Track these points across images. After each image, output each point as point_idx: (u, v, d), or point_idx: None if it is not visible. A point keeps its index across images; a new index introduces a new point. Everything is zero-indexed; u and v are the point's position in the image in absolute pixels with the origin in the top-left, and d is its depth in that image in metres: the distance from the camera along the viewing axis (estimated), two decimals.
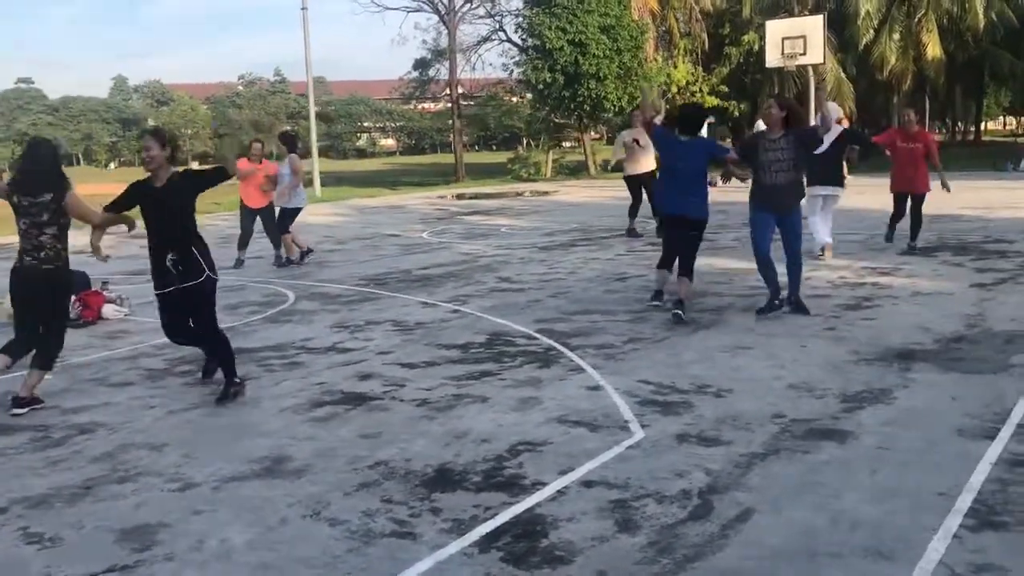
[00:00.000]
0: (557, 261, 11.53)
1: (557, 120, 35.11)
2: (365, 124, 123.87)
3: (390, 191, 31.70)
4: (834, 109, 10.31)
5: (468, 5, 37.12)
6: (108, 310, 8.98)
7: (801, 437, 4.67)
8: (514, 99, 40.13)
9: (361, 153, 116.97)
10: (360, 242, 14.87)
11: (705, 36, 35.96)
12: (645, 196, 12.91)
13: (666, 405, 5.30)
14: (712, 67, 36.60)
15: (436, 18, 37.52)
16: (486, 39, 39.51)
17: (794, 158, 7.33)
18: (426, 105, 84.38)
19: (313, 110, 30.97)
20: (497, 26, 38.75)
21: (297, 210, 12.26)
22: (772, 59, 24.84)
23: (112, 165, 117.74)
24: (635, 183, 13.20)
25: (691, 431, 4.83)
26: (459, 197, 26.21)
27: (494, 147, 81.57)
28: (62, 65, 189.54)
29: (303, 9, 27.43)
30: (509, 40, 37.38)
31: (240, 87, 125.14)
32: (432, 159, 70.09)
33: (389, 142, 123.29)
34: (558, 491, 4.09)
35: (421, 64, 41.20)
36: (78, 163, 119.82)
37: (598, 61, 31.11)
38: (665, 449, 4.58)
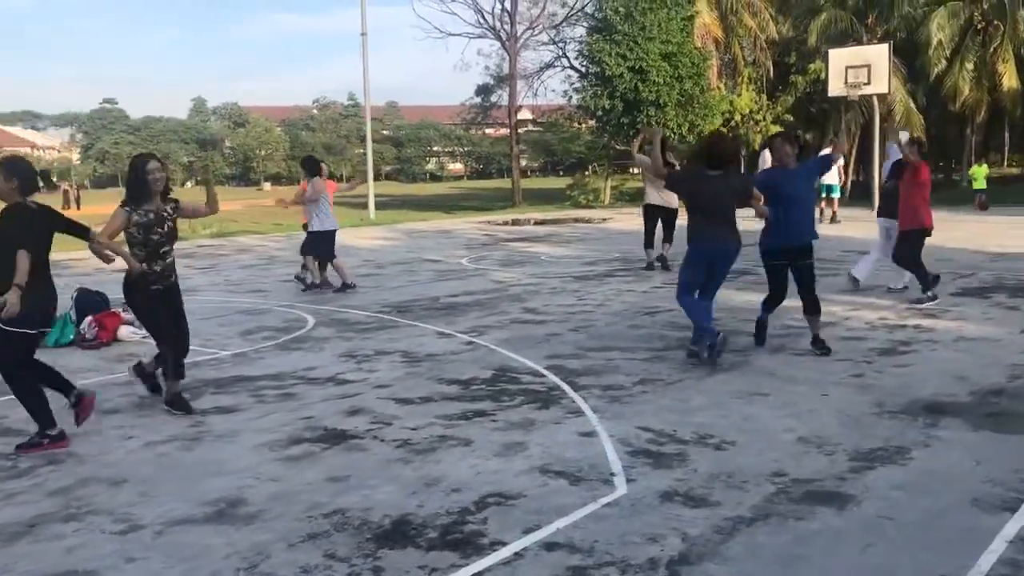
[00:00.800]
0: (589, 292, 11.16)
1: (618, 147, 34.70)
2: (434, 148, 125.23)
3: (445, 215, 31.67)
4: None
5: (529, 32, 37.04)
6: (124, 331, 8.89)
7: (797, 500, 4.24)
8: (575, 125, 39.81)
9: (430, 177, 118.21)
10: (398, 267, 14.69)
11: (770, 64, 35.29)
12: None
13: (660, 456, 4.91)
14: (777, 95, 35.89)
15: (498, 44, 37.43)
16: (549, 65, 39.46)
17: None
18: (492, 130, 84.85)
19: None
20: (560, 52, 38.63)
21: (325, 233, 11.91)
22: (835, 88, 24.15)
23: (189, 184, 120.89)
24: (655, 214, 12.88)
25: (679, 488, 4.43)
26: (514, 223, 25.95)
27: (560, 172, 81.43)
28: (145, 86, 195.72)
29: (362, 35, 27.63)
30: (572, 66, 37.15)
31: (315, 110, 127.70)
32: (497, 184, 70.14)
33: (457, 166, 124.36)
34: (515, 553, 3.74)
35: (483, 90, 41.23)
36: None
37: (658, 88, 30.69)
38: (645, 508, 4.19)
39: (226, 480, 4.73)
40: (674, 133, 31.78)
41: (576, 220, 26.24)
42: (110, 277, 10.67)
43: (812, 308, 7.37)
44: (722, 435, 5.25)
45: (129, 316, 9.20)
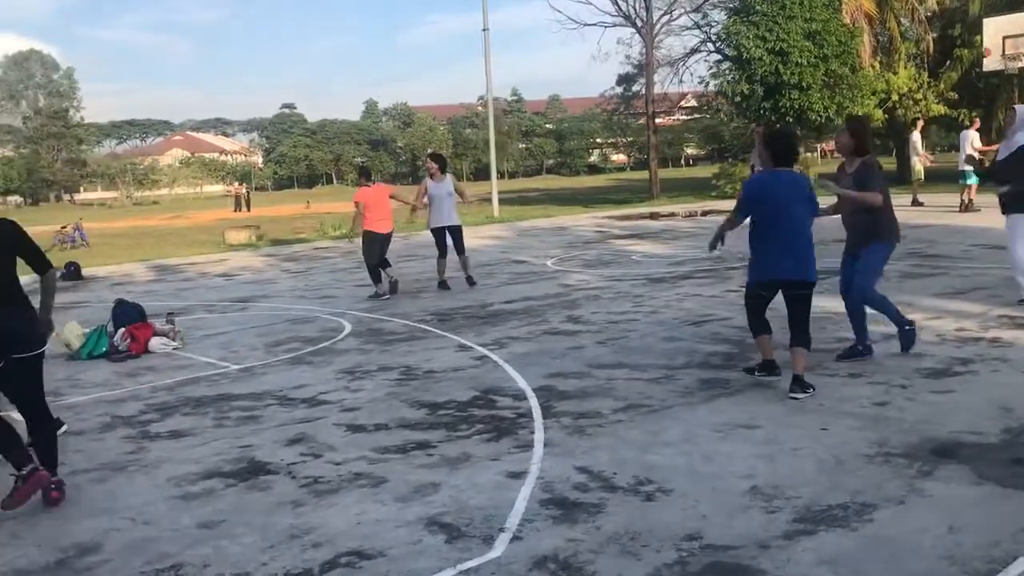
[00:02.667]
0: (652, 297, 10.34)
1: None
2: (597, 140, 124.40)
3: (583, 210, 30.94)
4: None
5: (668, 17, 35.76)
6: (155, 343, 8.88)
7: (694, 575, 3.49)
8: (718, 113, 38.24)
9: (593, 169, 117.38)
10: (479, 270, 14.25)
11: (930, 38, 32.48)
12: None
13: (572, 508, 4.23)
14: (939, 72, 33.05)
15: (635, 32, 36.35)
16: (695, 51, 38.02)
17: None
18: (659, 119, 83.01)
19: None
20: (705, 37, 37.11)
21: (380, 236, 11.74)
22: (991, 62, 21.83)
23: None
24: None
25: (563, 552, 3.76)
26: (652, 216, 24.86)
27: (728, 159, 78.49)
28: (321, 91, 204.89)
29: (484, 30, 27.37)
30: (718, 51, 35.57)
31: (480, 107, 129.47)
32: (666, 173, 68.04)
33: (620, 157, 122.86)
34: None
35: (625, 79, 40.25)
36: (329, 182, 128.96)
37: (800, 70, 28.85)
38: None
39: (100, 522, 4.42)
40: (819, 116, 29.90)
41: (706, 213, 24.92)
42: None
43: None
44: (665, 480, 4.50)
45: (165, 327, 9.22)
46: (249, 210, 50.63)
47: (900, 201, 22.27)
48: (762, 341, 6.25)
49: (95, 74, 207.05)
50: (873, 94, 31.16)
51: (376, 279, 11.73)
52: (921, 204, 21.02)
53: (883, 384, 6.04)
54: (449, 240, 11.88)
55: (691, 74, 44.87)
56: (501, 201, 31.13)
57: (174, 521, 4.38)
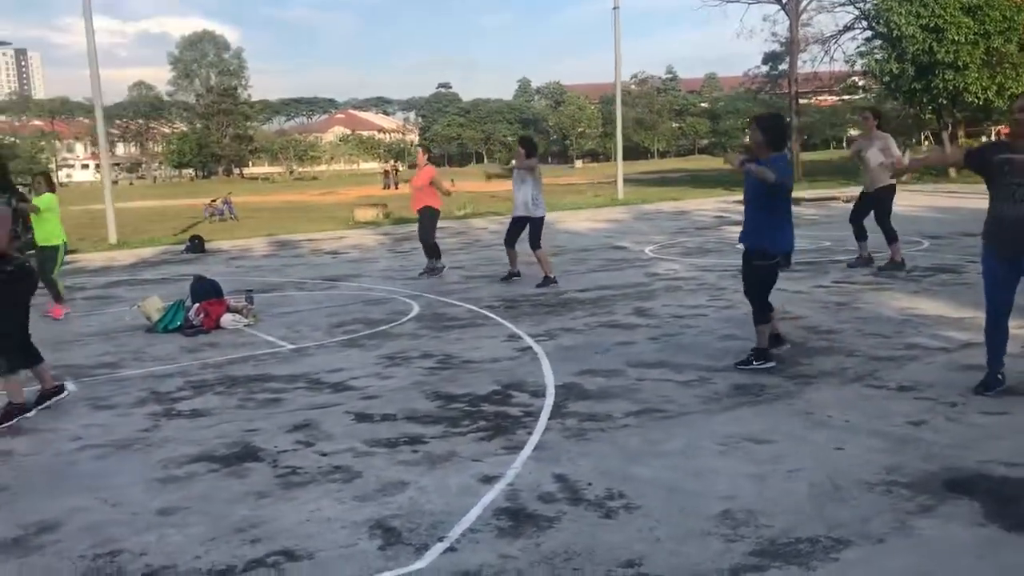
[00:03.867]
0: (733, 291, 9.82)
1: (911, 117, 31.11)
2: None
3: (725, 192, 29.89)
4: None
5: None
6: (226, 319, 9.12)
7: None
8: (862, 94, 36.21)
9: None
10: (574, 255, 14.01)
11: None
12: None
13: (526, 519, 4.01)
14: None
15: (779, 8, 34.79)
16: (848, 28, 36.13)
17: None
18: (821, 98, 79.42)
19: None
20: (859, 13, 35.19)
21: (541, 220, 11.06)
22: None
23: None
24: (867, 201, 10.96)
25: (492, 569, 3.56)
26: (795, 203, 23.65)
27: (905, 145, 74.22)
28: (478, 70, 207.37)
29: (615, 8, 26.79)
30: (870, 27, 33.67)
31: (633, 85, 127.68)
32: (815, 156, 65.30)
33: None
34: None
35: (771, 57, 38.71)
36: (480, 161, 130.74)
37: (957, 47, 26.93)
38: None
39: (75, 500, 4.52)
40: (977, 98, 27.86)
41: (845, 200, 23.60)
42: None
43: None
44: (638, 496, 4.21)
45: (239, 304, 9.46)
46: (397, 187, 51.65)
47: None
48: (774, 316, 6.73)
49: (268, 53, 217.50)
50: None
51: (438, 254, 11.95)
52: None
53: (931, 400, 5.48)
54: (525, 232, 10.98)
55: (843, 52, 42.48)
56: (637, 182, 30.66)
57: (141, 505, 4.42)
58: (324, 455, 5.03)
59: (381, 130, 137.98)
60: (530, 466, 4.69)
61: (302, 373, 7.02)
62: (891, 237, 10.62)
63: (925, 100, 28.91)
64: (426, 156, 12.66)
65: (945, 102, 28.67)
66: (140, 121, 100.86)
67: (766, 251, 6.54)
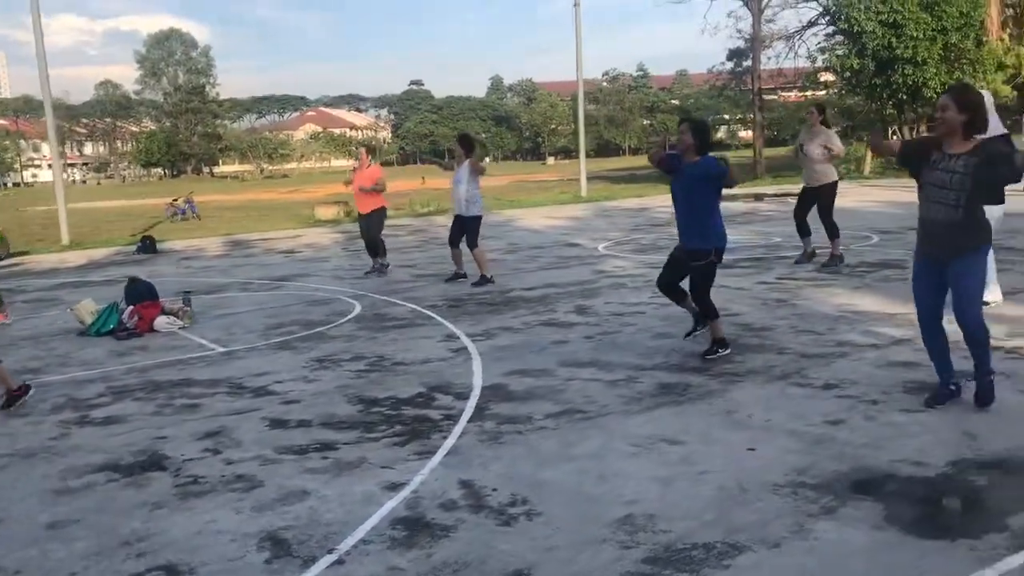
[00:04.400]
0: None
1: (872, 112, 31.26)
2: (725, 116, 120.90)
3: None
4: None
5: None
6: (160, 322, 8.94)
7: None
8: (824, 90, 36.41)
9: (719, 146, 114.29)
10: (527, 253, 13.93)
11: None
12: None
13: (423, 529, 3.91)
14: None
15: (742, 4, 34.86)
16: (812, 23, 36.29)
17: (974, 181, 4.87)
18: (791, 94, 79.59)
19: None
20: (822, 9, 35.31)
21: (477, 219, 10.92)
22: None
23: (489, 158, 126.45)
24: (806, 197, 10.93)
25: None
26: (756, 199, 23.64)
27: (863, 138, 74.51)
28: (450, 68, 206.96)
29: (575, 5, 26.72)
30: (831, 23, 33.82)
31: (604, 83, 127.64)
32: (788, 151, 65.26)
33: (748, 133, 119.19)
34: None
35: (736, 54, 38.82)
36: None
37: (915, 43, 27.10)
38: None
39: None
40: (936, 93, 28.00)
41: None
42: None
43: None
44: (541, 502, 4.11)
45: (174, 307, 9.28)
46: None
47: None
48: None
49: (241, 51, 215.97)
50: (1000, 69, 29.01)
51: (384, 252, 12.07)
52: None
53: (853, 398, 5.43)
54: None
55: (808, 48, 42.56)
56: (606, 179, 30.64)
57: (30, 518, 4.28)
58: (230, 463, 4.90)
59: (353, 127, 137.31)
60: (438, 472, 4.58)
61: (226, 377, 6.87)
62: (833, 233, 10.60)
63: (885, 95, 29.08)
64: (369, 156, 12.50)
65: (905, 97, 28.84)
66: (107, 120, 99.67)
67: (700, 249, 6.66)
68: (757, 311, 8.32)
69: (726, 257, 11.69)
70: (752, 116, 36.73)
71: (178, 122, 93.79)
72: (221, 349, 7.94)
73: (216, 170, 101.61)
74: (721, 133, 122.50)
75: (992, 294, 7.87)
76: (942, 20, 27.19)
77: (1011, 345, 6.49)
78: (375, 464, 4.76)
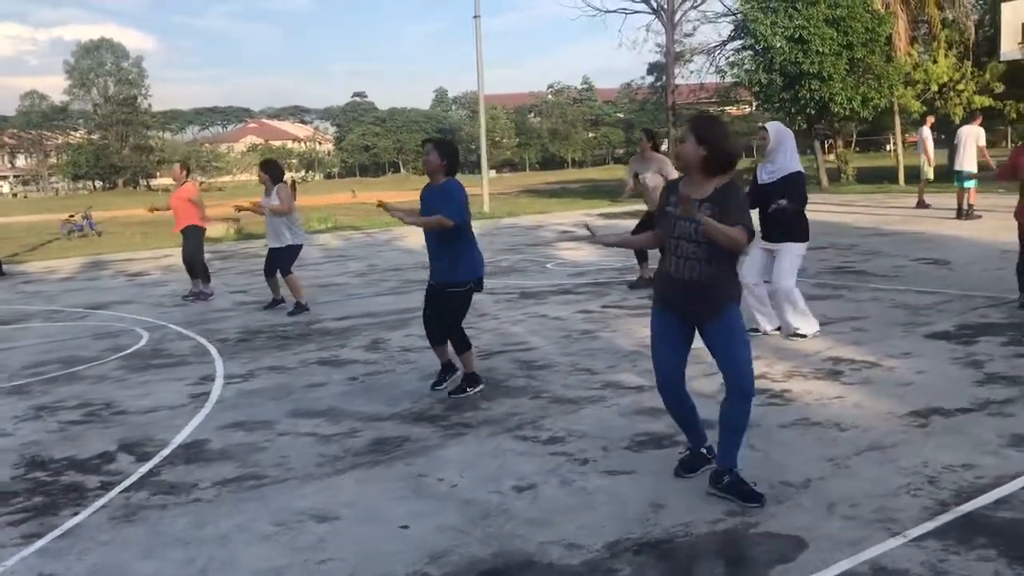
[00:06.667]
0: (493, 317, 9.18)
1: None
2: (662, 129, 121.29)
3: (610, 205, 29.11)
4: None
5: (688, 3, 34.00)
6: None
7: None
8: (734, 107, 36.32)
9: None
10: (373, 277, 13.23)
11: (971, 24, 30.05)
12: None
13: None
14: (984, 61, 30.57)
15: (656, 19, 34.62)
16: (733, 38, 36.16)
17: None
18: (734, 109, 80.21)
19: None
20: (734, 25, 35.22)
21: (290, 248, 10.24)
22: (1009, 48, 19.76)
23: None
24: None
25: None
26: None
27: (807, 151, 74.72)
28: (393, 79, 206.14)
29: (475, 17, 26.17)
30: (741, 38, 33.70)
31: (549, 96, 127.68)
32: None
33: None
34: None
35: (656, 68, 38.60)
36: (397, 170, 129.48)
37: (821, 58, 26.93)
38: None
39: None
40: (843, 108, 27.95)
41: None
42: None
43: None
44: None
45: None
46: (295, 199, 49.96)
47: (907, 202, 20.43)
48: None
49: (188, 62, 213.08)
50: (909, 85, 29.00)
51: (207, 277, 11.48)
52: (928, 206, 19.19)
53: (566, 456, 4.83)
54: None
55: (718, 63, 42.60)
56: (535, 192, 30.01)
57: None
58: None
59: (295, 139, 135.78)
60: (30, 562, 3.86)
61: None
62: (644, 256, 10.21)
63: (794, 110, 28.89)
64: (184, 172, 11.72)
65: (813, 112, 28.68)
66: (32, 132, 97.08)
67: (455, 280, 6.15)
68: (553, 345, 7.72)
69: (568, 282, 11.25)
70: (667, 131, 36.43)
71: (108, 134, 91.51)
72: None
73: (153, 183, 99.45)
74: (665, 146, 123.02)
75: (806, 325, 7.38)
76: (848, 35, 27.06)
77: (780, 388, 5.93)
78: None
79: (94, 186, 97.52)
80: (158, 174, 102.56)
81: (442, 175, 6.18)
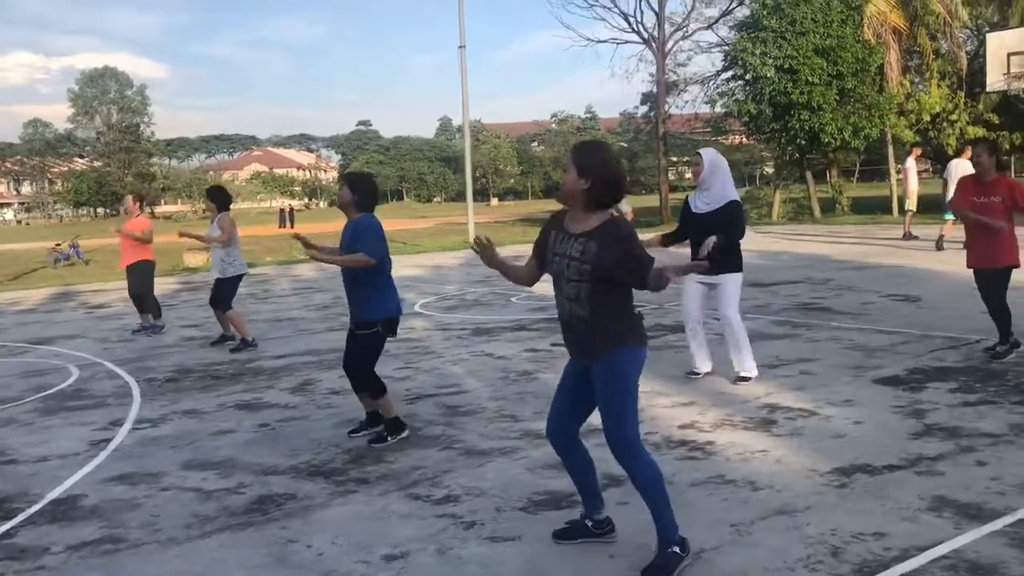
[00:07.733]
0: (437, 356, 8.84)
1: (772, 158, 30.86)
2: (672, 159, 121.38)
3: None
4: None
5: (680, 34, 33.85)
6: None
7: None
8: (727, 135, 36.10)
9: (653, 190, 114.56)
10: (330, 311, 12.87)
11: (964, 55, 29.79)
12: None
13: None
14: (977, 91, 30.29)
15: (646, 49, 34.47)
16: (727, 68, 35.99)
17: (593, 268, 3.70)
18: (735, 137, 79.85)
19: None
20: (724, 55, 35.07)
21: (236, 279, 10.00)
22: (994, 80, 19.46)
23: (437, 199, 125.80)
24: None
25: None
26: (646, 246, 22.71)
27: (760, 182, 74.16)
28: (404, 107, 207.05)
29: (460, 47, 26.00)
30: (731, 68, 33.52)
31: (553, 124, 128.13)
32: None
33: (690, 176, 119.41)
34: None
35: (649, 98, 38.45)
36: (400, 198, 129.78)
37: (811, 88, 26.69)
38: None
39: None
40: (833, 139, 27.65)
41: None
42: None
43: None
44: None
45: None
46: (292, 226, 50.01)
47: (897, 232, 20.00)
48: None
49: (198, 90, 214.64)
50: (901, 115, 28.72)
51: (158, 311, 11.27)
52: (915, 237, 18.80)
53: (455, 519, 4.45)
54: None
55: (711, 93, 42.50)
56: (533, 222, 29.66)
57: None
58: None
59: (299, 167, 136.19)
60: None
61: None
62: None
63: (784, 140, 28.64)
64: (138, 204, 11.45)
65: (804, 142, 28.40)
66: (36, 159, 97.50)
67: (368, 320, 5.85)
68: (487, 387, 7.36)
69: (526, 317, 10.89)
70: (658, 161, 36.19)
71: (110, 161, 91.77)
72: None
73: (158, 210, 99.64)
74: (671, 175, 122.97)
75: (747, 369, 7.01)
76: (837, 65, 26.84)
77: (704, 439, 5.55)
78: None
79: (95, 213, 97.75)
80: (162, 201, 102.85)
81: (354, 210, 5.89)
